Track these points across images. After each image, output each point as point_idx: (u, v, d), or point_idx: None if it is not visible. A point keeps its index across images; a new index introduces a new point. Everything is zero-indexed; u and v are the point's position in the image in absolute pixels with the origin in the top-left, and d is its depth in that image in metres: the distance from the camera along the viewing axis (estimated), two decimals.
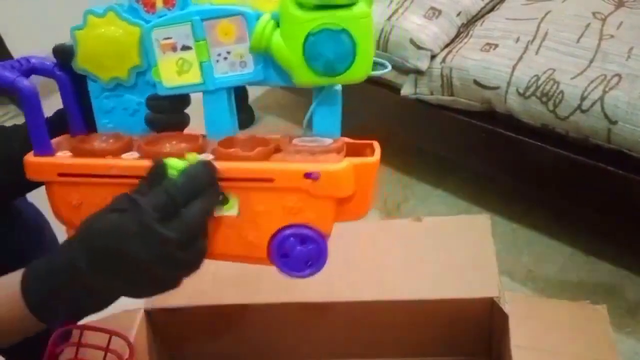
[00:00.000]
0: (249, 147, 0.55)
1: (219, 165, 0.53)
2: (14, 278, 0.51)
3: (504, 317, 0.77)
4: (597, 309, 0.80)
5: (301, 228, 0.55)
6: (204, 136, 0.59)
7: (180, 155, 0.54)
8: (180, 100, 0.59)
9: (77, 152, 0.57)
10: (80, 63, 0.58)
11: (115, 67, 0.57)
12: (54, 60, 0.60)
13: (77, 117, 0.62)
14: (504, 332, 0.77)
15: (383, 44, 1.47)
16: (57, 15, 2.27)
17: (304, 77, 0.53)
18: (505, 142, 1.39)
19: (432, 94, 1.46)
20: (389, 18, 1.48)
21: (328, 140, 0.57)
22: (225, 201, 0.55)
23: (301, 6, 0.50)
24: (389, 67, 0.57)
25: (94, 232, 0.49)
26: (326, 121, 0.58)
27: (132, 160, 0.55)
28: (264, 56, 0.54)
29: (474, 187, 1.67)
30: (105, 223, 0.49)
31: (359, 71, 0.52)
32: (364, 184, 0.55)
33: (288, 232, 0.55)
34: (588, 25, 1.37)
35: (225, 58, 0.55)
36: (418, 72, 1.47)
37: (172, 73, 0.56)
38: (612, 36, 1.33)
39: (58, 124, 0.62)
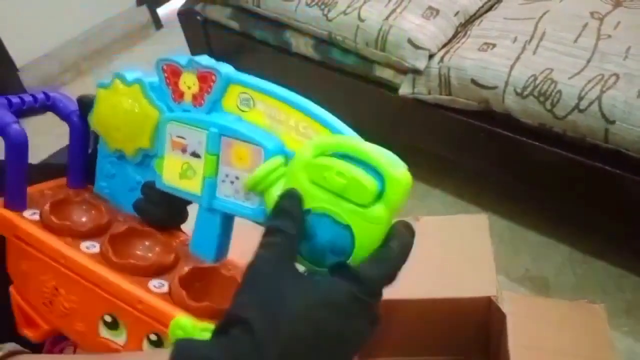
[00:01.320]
0: (207, 297, 0.49)
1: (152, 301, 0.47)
2: None
3: (501, 317, 0.77)
4: (595, 308, 0.80)
5: None
6: (185, 245, 0.54)
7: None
8: (179, 198, 0.52)
9: (43, 219, 0.53)
10: (95, 122, 0.55)
11: (124, 141, 0.53)
12: (74, 104, 0.57)
13: (78, 170, 0.59)
14: (501, 331, 0.77)
15: (381, 44, 1.47)
16: (55, 17, 2.28)
17: None
18: (503, 141, 1.39)
19: (430, 93, 1.46)
20: (387, 18, 1.48)
21: None
22: (114, 326, 0.51)
23: (312, 181, 0.42)
24: None
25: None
26: None
27: (82, 257, 0.50)
28: None
29: (472, 186, 1.67)
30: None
31: None
32: None
33: None
34: (586, 25, 1.37)
35: (232, 182, 0.48)
36: (416, 72, 1.47)
37: (175, 173, 0.50)
38: (609, 36, 1.33)
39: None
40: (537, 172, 1.41)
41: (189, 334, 0.45)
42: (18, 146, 0.51)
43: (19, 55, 2.24)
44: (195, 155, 0.49)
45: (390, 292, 0.80)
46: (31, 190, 0.56)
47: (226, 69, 0.48)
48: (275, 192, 0.43)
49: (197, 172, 0.49)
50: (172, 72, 0.50)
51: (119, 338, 0.51)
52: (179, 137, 0.49)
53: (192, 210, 0.54)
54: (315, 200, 0.42)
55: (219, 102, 0.49)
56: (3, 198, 0.54)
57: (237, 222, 0.51)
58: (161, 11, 2.70)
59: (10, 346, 0.45)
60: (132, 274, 0.50)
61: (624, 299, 1.35)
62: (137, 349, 0.50)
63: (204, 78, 0.48)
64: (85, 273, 0.50)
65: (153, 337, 0.49)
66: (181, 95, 0.50)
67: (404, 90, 1.50)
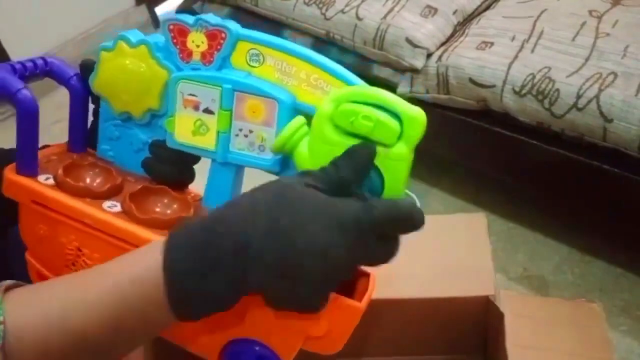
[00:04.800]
0: None
1: None
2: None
3: (499, 316, 0.77)
4: (593, 307, 0.79)
5: (261, 346, 0.50)
6: (200, 200, 0.55)
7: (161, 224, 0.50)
8: (189, 156, 0.54)
9: (59, 182, 0.53)
10: (97, 86, 0.54)
11: (131, 103, 0.54)
12: (73, 69, 0.57)
13: (79, 134, 0.58)
14: (499, 330, 0.77)
15: (379, 43, 1.47)
16: (54, 17, 2.28)
17: None
18: (501, 140, 1.39)
19: (428, 92, 1.46)
20: (385, 16, 1.48)
21: None
22: None
23: (337, 127, 0.45)
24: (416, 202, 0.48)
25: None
26: None
27: (107, 216, 0.51)
28: None
29: (470, 185, 1.67)
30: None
31: None
32: (341, 326, 0.49)
33: (245, 346, 0.50)
34: (584, 23, 1.37)
35: (246, 135, 0.50)
36: (414, 71, 1.47)
37: (187, 130, 0.52)
38: (607, 34, 1.33)
39: None
40: (535, 171, 1.41)
41: None
42: (28, 112, 0.51)
43: (17, 54, 2.23)
44: (208, 111, 0.51)
45: (387, 292, 0.80)
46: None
47: (235, 26, 0.50)
48: (302, 149, 0.46)
49: (211, 127, 0.51)
50: (179, 32, 0.50)
51: None
52: (190, 95, 0.51)
53: (199, 171, 0.57)
54: (342, 147, 0.45)
55: (228, 59, 0.50)
56: (15, 164, 0.54)
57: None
58: (160, 10, 2.70)
59: (7, 282, 0.44)
60: (156, 228, 0.51)
61: (622, 298, 1.35)
62: None
63: (213, 36, 0.50)
64: (113, 230, 0.50)
65: None
66: (189, 54, 0.51)
67: (402, 89, 1.50)
